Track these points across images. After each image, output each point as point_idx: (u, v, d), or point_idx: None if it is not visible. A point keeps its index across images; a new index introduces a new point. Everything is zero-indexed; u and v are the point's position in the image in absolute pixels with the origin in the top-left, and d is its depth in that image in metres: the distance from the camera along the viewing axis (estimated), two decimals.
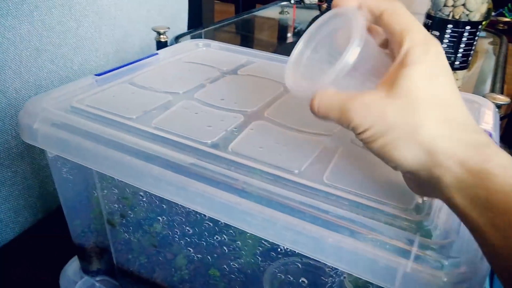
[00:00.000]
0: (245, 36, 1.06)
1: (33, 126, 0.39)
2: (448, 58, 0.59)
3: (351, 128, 0.26)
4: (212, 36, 0.85)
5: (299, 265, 0.34)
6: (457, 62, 0.59)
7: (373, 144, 0.25)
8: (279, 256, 0.35)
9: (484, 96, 0.48)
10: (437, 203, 0.29)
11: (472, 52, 0.59)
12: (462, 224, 0.27)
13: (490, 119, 0.42)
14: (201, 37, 0.79)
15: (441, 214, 0.29)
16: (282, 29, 1.15)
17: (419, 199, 0.29)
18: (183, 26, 0.97)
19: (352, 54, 0.25)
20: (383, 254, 0.25)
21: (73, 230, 0.49)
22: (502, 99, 0.53)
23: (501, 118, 0.49)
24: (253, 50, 0.58)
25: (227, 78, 0.50)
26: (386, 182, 0.31)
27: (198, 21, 1.10)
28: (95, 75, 0.46)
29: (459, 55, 0.58)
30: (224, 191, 0.31)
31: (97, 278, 0.52)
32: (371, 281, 0.26)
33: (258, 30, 1.12)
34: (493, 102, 0.46)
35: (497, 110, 0.45)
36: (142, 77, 0.49)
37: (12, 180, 0.61)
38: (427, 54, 0.25)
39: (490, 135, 0.39)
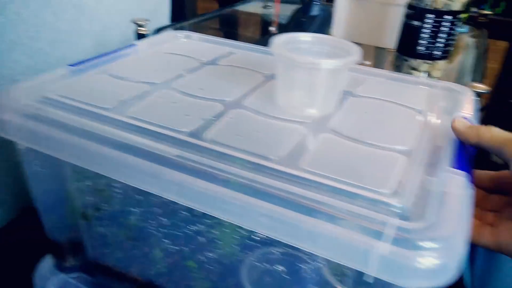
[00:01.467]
0: (228, 32, 1.05)
1: (2, 117, 0.37)
2: (428, 48, 0.59)
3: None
4: (194, 31, 0.84)
5: (278, 254, 0.34)
6: (438, 52, 0.59)
7: None
8: (258, 245, 0.34)
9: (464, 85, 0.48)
10: (414, 188, 0.29)
11: (453, 42, 0.59)
12: (441, 207, 0.27)
13: (469, 107, 0.42)
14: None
15: (419, 199, 0.28)
16: (265, 24, 1.14)
17: (396, 184, 0.29)
18: (164, 21, 0.96)
19: None
20: (359, 237, 0.25)
21: (47, 226, 0.47)
22: (482, 87, 0.53)
23: (480, 110, 0.49)
24: (234, 41, 0.57)
25: (207, 69, 0.49)
26: (364, 168, 0.31)
27: (181, 16, 1.09)
28: (69, 65, 0.45)
29: (440, 45, 0.58)
30: (201, 179, 0.30)
31: (72, 275, 0.50)
32: (347, 265, 0.25)
33: (241, 25, 1.11)
34: (473, 91, 0.46)
35: (477, 98, 0.45)
36: (118, 67, 0.47)
37: None
38: None
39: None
